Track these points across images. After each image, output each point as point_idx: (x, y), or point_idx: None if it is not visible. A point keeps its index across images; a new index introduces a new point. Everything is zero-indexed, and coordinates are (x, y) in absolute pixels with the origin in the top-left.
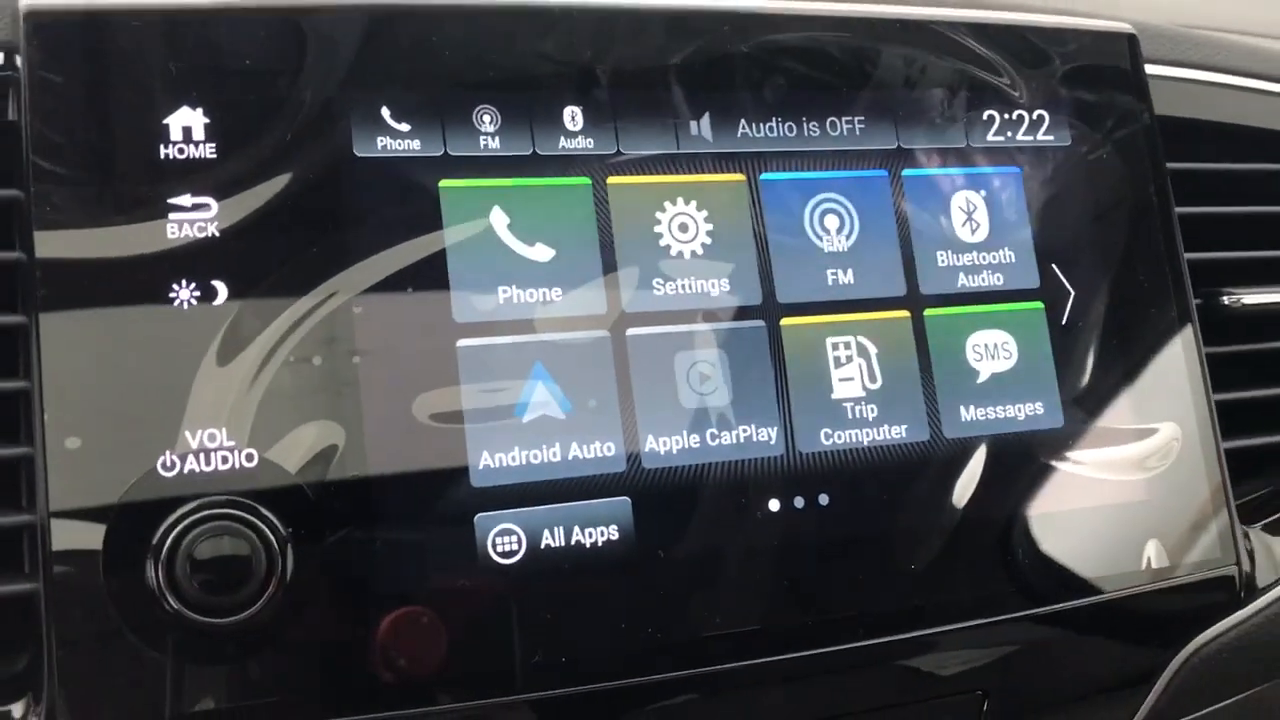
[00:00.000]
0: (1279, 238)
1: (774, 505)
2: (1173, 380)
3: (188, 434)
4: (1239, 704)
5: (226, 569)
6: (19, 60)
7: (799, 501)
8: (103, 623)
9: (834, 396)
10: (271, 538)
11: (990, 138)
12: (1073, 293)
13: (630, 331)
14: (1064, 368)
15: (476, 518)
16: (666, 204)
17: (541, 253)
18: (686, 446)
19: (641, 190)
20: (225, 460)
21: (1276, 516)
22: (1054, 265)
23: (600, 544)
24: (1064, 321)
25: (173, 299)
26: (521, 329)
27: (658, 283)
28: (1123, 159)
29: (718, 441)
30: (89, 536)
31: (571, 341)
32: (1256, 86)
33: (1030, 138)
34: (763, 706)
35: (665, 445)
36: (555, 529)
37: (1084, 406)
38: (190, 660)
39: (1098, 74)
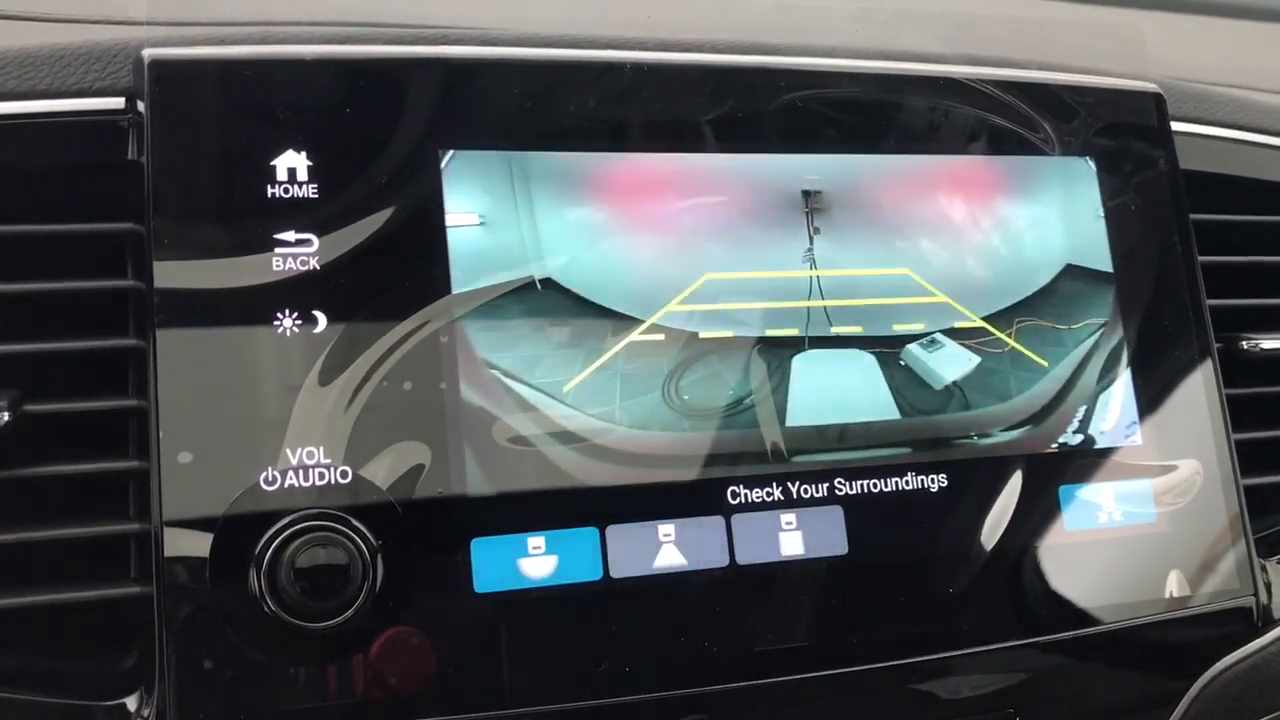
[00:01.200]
0: None
1: None
2: (1195, 418)
3: (288, 451)
4: None
5: (325, 577)
6: (140, 105)
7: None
8: (209, 624)
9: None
10: (364, 548)
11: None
12: (1100, 333)
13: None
14: (1091, 403)
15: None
16: None
17: None
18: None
19: None
20: (322, 476)
21: None
22: None
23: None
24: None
25: (276, 327)
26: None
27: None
28: (1149, 210)
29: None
30: (197, 544)
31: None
32: (1276, 144)
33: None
34: (813, 717)
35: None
36: None
37: (1111, 439)
38: (287, 661)
39: (1126, 130)
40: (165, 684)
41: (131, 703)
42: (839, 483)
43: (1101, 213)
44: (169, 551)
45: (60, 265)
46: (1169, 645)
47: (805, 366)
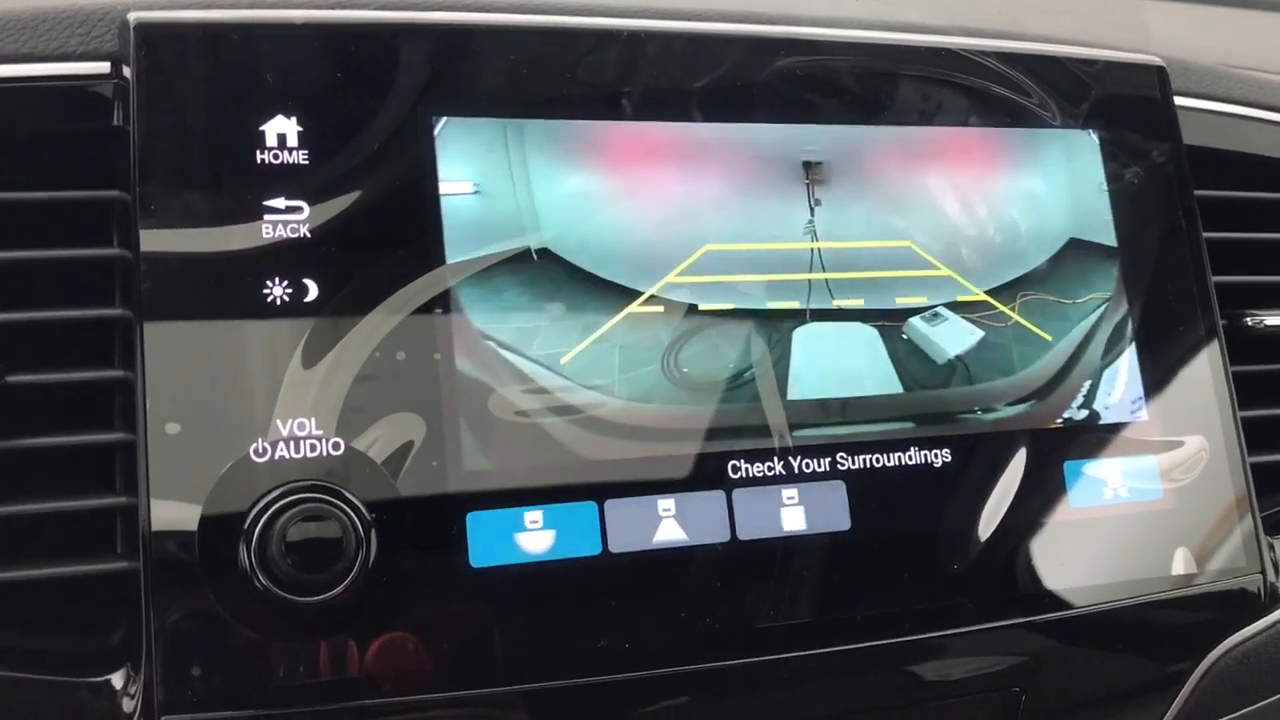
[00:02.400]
0: None
1: None
2: (1200, 395)
3: (279, 423)
4: (1264, 709)
5: (317, 551)
6: (126, 70)
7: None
8: (197, 599)
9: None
10: (357, 521)
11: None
12: (1105, 309)
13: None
14: (1097, 380)
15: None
16: None
17: None
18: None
19: None
20: (314, 448)
21: None
22: None
23: (667, 538)
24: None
25: (266, 295)
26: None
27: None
28: (1153, 184)
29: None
30: (186, 517)
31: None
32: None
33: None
34: (816, 695)
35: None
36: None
37: (1116, 415)
38: (277, 636)
39: (1129, 103)
40: (152, 660)
41: (117, 680)
42: (841, 457)
43: (1105, 186)
44: (156, 525)
45: (45, 234)
46: (1176, 624)
47: (806, 340)
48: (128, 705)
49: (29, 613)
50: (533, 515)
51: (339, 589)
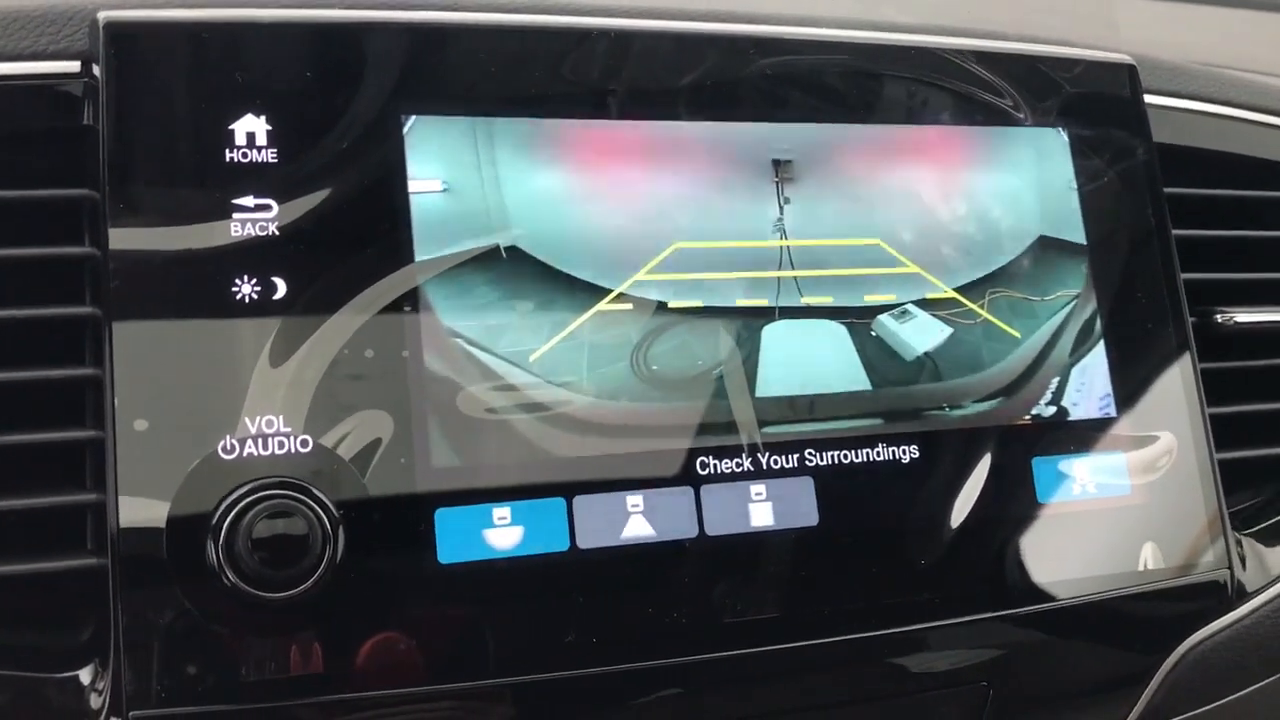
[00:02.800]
0: (1271, 260)
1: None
2: (1169, 392)
3: (247, 420)
4: (1231, 705)
5: (284, 547)
6: (96, 69)
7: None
8: (165, 595)
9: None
10: (324, 518)
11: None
12: (1074, 307)
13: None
14: (1066, 377)
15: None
16: None
17: None
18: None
19: None
20: (282, 445)
21: (1267, 525)
22: None
23: (634, 534)
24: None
25: (235, 293)
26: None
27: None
28: (1123, 182)
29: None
30: (154, 514)
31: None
32: (1249, 118)
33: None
34: (784, 690)
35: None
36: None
37: (1085, 412)
38: (245, 631)
39: (1099, 101)
40: (120, 656)
41: (85, 675)
42: (809, 454)
43: (1074, 184)
44: (124, 521)
45: (15, 232)
46: (1144, 618)
47: (775, 337)
48: (95, 701)
49: None
50: (501, 511)
51: (306, 585)
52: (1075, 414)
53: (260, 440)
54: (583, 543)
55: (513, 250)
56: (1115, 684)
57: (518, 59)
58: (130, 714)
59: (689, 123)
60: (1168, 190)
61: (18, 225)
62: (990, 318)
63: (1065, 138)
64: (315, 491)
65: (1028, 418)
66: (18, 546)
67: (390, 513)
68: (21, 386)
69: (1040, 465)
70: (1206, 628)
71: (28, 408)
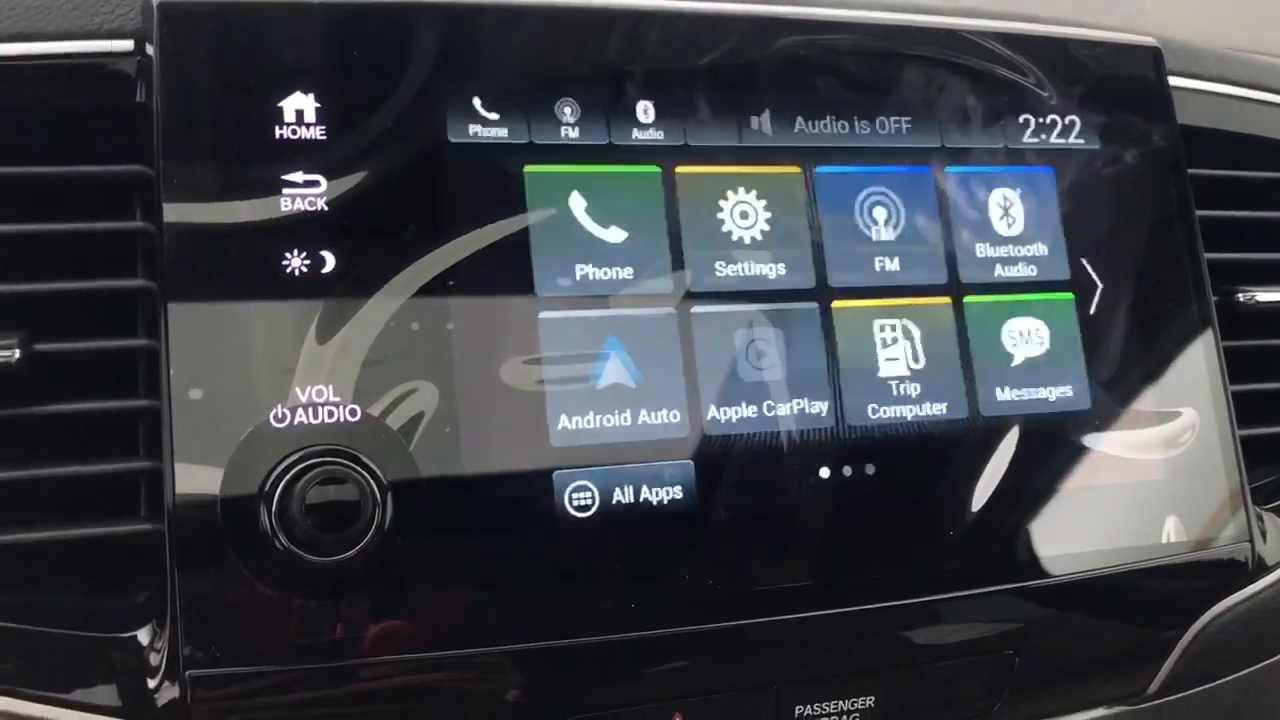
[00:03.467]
0: None
1: (824, 473)
2: (1192, 370)
3: (298, 390)
4: (1250, 676)
5: (336, 512)
6: (149, 48)
7: (847, 470)
8: (220, 559)
9: (880, 375)
10: (374, 485)
11: (1025, 140)
12: (1100, 286)
13: (695, 310)
14: (1092, 355)
15: (554, 474)
16: (729, 193)
17: (615, 234)
18: (744, 416)
19: (706, 179)
20: (331, 414)
21: None
22: (1083, 259)
23: (665, 502)
24: (1092, 312)
25: (285, 266)
26: (597, 304)
27: (720, 265)
28: (1147, 163)
29: (773, 413)
30: (208, 480)
31: (642, 318)
32: (1274, 100)
33: (1062, 141)
34: (813, 656)
35: (725, 415)
36: (625, 487)
37: (1109, 391)
38: (297, 595)
39: (1125, 84)
40: (176, 618)
41: (143, 636)
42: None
43: (1101, 166)
44: (179, 488)
45: (70, 209)
46: (1166, 591)
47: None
48: (154, 660)
49: (58, 573)
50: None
51: (356, 549)
52: (1103, 393)
53: (310, 409)
54: (611, 510)
55: None
56: (1137, 655)
57: (556, 40)
58: (187, 673)
59: None
60: (1191, 172)
61: (68, 202)
62: (1024, 301)
63: (1092, 120)
64: (364, 459)
65: (1054, 395)
66: (74, 513)
67: (435, 480)
68: (78, 358)
69: (1068, 443)
70: (1227, 600)
71: (78, 379)
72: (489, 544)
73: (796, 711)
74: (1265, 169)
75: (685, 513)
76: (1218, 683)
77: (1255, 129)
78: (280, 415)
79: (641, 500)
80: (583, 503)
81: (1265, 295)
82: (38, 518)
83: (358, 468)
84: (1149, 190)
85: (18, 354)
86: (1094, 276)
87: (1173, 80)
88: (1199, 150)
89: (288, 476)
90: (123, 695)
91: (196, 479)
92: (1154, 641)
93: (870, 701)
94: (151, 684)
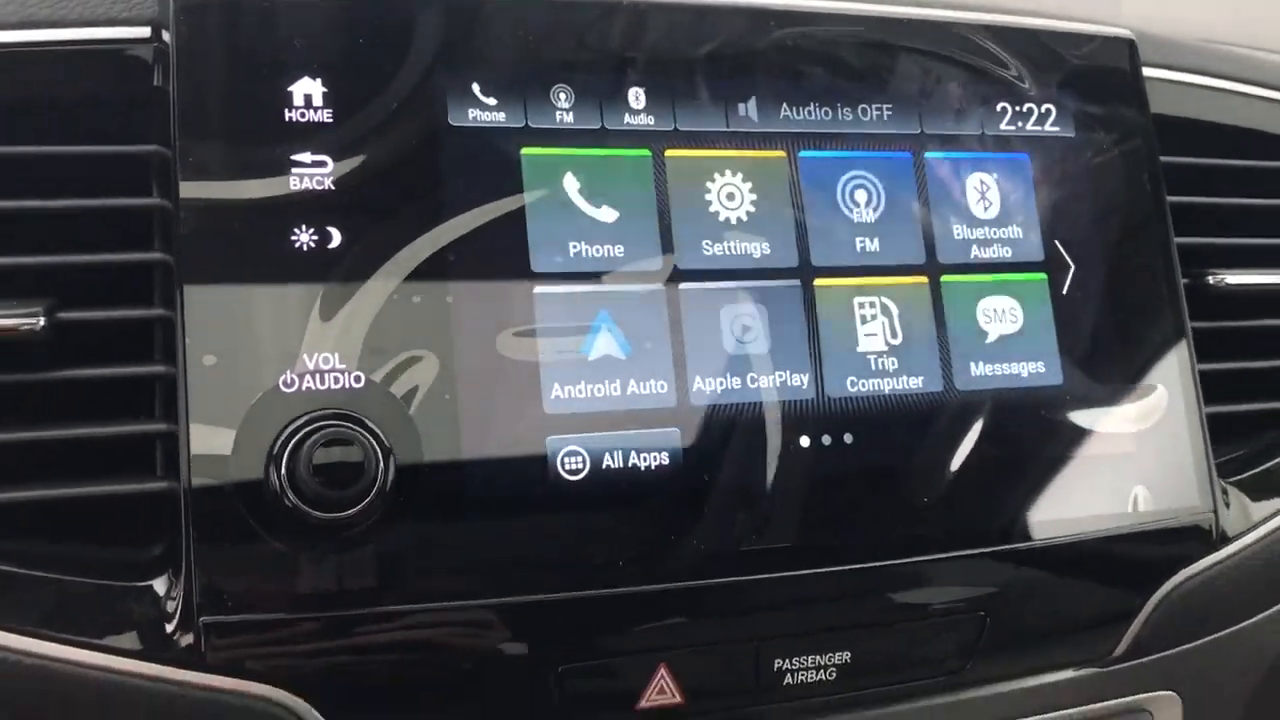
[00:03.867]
0: (1261, 225)
1: (804, 441)
2: (1161, 348)
3: (306, 357)
4: (1212, 643)
5: (341, 472)
6: (166, 35)
7: (826, 439)
8: (231, 515)
9: (859, 349)
10: (376, 447)
11: (1002, 127)
12: (1073, 267)
13: (682, 286)
14: (1064, 333)
15: (547, 440)
16: (717, 175)
17: (607, 214)
18: (729, 387)
19: (695, 162)
20: (337, 380)
21: (1251, 474)
22: (1056, 242)
23: (653, 467)
24: (1064, 292)
25: (294, 241)
26: (589, 280)
27: (707, 244)
28: (1120, 151)
29: (756, 384)
30: (221, 441)
31: (632, 293)
32: (1244, 90)
33: (1038, 128)
34: (796, 614)
35: (710, 385)
36: (614, 453)
37: (1081, 367)
38: (304, 548)
39: (1100, 74)
40: (190, 569)
41: (160, 586)
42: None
43: (1076, 152)
44: (195, 449)
45: (90, 187)
46: (1132, 557)
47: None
48: (170, 607)
49: (82, 528)
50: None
51: (359, 507)
52: (1074, 369)
53: (317, 375)
54: (601, 474)
55: None
56: (1104, 619)
57: (551, 28)
58: (201, 619)
59: None
60: (1163, 159)
61: (90, 180)
62: (999, 281)
63: (1067, 107)
64: (368, 422)
65: (1026, 371)
66: (95, 472)
67: (434, 443)
68: (99, 326)
69: (1041, 416)
70: (1191, 568)
71: (99, 347)
72: (484, 504)
73: (775, 665)
74: (1235, 156)
75: (671, 478)
76: (1182, 648)
77: (1226, 118)
78: (289, 381)
79: (630, 465)
80: (574, 467)
81: (1234, 278)
82: (63, 476)
83: (362, 430)
84: (1122, 176)
85: (42, 322)
86: (1067, 258)
87: (1147, 71)
88: (1172, 138)
89: (296, 438)
90: (143, 639)
91: (210, 440)
92: (1120, 606)
93: (846, 657)
94: (169, 628)
